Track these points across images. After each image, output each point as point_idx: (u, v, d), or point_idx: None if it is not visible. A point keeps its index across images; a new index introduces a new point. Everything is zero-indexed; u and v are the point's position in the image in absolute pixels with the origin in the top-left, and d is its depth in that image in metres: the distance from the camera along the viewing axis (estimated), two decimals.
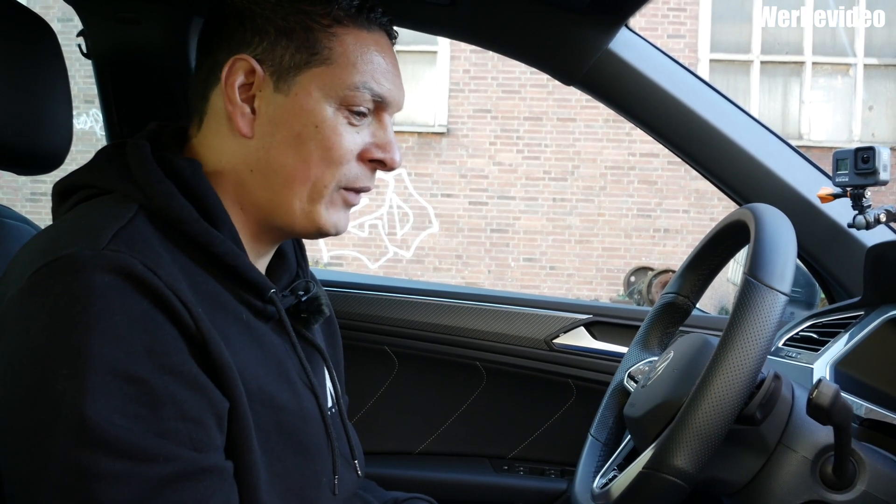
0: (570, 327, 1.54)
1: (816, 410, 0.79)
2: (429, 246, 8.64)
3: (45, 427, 0.69)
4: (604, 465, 1.08)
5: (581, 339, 1.53)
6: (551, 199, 8.58)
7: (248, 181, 0.90)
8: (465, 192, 8.62)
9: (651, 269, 8.19)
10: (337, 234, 0.95)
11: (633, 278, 8.34)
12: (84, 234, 0.77)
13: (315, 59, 0.88)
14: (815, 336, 1.31)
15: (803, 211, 1.38)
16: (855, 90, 8.41)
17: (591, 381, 1.54)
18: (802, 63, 8.42)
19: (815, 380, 1.15)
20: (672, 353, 0.99)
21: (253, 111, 0.89)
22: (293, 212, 0.91)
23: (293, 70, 0.88)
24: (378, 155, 0.93)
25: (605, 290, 8.51)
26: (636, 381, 1.10)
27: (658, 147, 8.61)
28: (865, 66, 8.39)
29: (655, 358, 1.11)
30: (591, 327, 1.54)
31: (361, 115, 0.91)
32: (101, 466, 0.69)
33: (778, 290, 0.76)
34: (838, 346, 1.18)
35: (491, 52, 7.37)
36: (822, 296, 1.60)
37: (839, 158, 1.29)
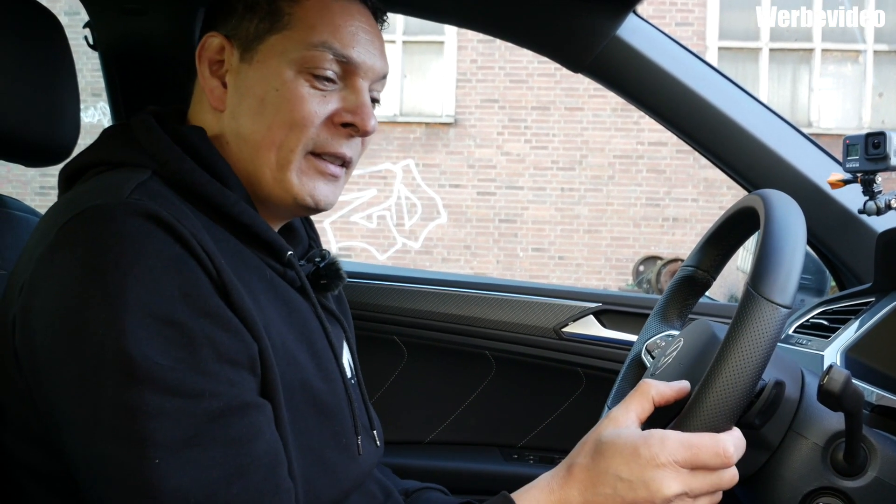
0: (579, 316, 1.53)
1: (827, 397, 0.78)
2: (437, 236, 8.64)
3: (93, 373, 0.70)
4: None
5: (590, 327, 1.53)
6: (559, 189, 8.57)
7: (228, 153, 0.91)
8: (473, 182, 8.62)
9: (660, 258, 8.17)
10: (317, 206, 0.94)
11: (641, 267, 8.33)
12: (105, 190, 0.78)
13: (276, 26, 0.90)
14: (825, 323, 1.31)
15: (813, 197, 1.37)
16: (865, 77, 8.35)
17: (601, 370, 1.53)
18: (812, 50, 8.37)
19: (825, 366, 1.15)
20: (682, 342, 0.98)
21: (224, 86, 0.92)
22: (266, 181, 0.91)
23: (256, 39, 0.90)
24: (347, 118, 0.92)
25: (614, 280, 8.50)
26: (652, 356, 1.09)
27: (666, 136, 8.65)
28: (875, 52, 8.33)
29: (674, 332, 1.10)
30: (600, 315, 1.54)
31: (328, 80, 0.90)
32: (151, 405, 0.70)
33: (778, 304, 0.75)
34: (849, 333, 1.18)
35: (498, 42, 7.37)
36: (833, 283, 1.59)
37: (850, 144, 1.28)
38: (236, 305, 0.78)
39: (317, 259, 0.99)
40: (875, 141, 1.24)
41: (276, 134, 0.89)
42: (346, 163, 0.95)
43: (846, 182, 1.31)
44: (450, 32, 8.44)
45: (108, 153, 0.88)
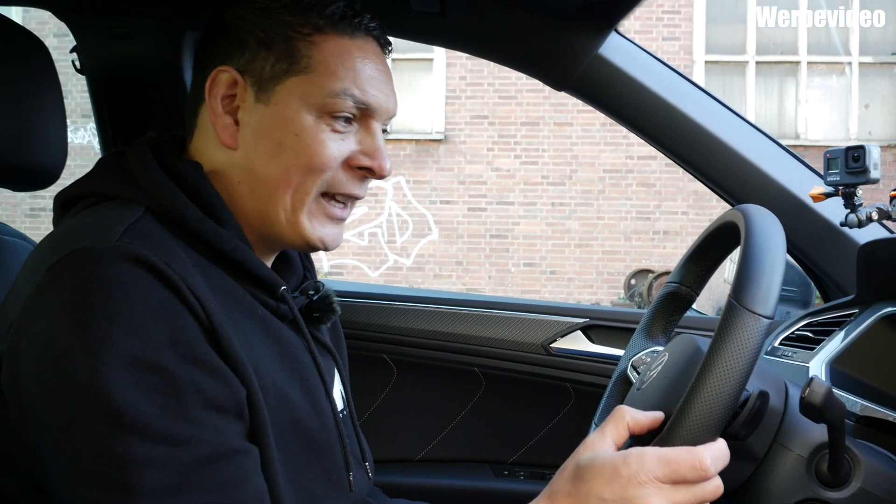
0: (568, 331, 1.54)
1: (809, 409, 0.79)
2: (429, 253, 8.65)
3: (78, 420, 0.70)
4: None
5: (578, 342, 1.54)
6: (550, 204, 8.59)
7: (238, 192, 0.91)
8: (464, 198, 8.64)
9: (651, 272, 8.20)
10: (325, 248, 0.94)
11: (633, 281, 8.35)
12: (95, 230, 0.78)
13: (294, 67, 0.89)
14: (810, 335, 1.32)
15: (796, 211, 1.38)
16: (851, 89, 8.43)
17: (589, 385, 1.54)
18: (798, 63, 8.44)
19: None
20: (666, 357, 0.99)
21: (236, 122, 0.90)
22: (280, 222, 0.91)
23: (273, 80, 0.89)
24: (365, 162, 0.92)
25: (606, 294, 8.51)
26: (638, 372, 1.10)
27: (656, 150, 8.68)
28: (861, 64, 8.41)
29: (659, 348, 1.11)
30: (588, 331, 1.55)
31: (346, 121, 0.90)
32: (136, 452, 0.70)
33: (760, 315, 0.76)
34: (833, 345, 1.18)
35: None
36: (818, 294, 1.61)
37: (830, 158, 1.30)
38: (226, 350, 0.77)
39: (310, 291, 0.99)
40: (855, 154, 1.26)
41: (294, 177, 0.89)
42: (354, 201, 0.96)
43: (828, 195, 1.32)
44: (438, 50, 8.48)
45: (102, 185, 0.88)
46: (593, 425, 1.14)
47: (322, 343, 1.00)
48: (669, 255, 8.37)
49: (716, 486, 0.76)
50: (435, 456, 1.63)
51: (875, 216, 1.28)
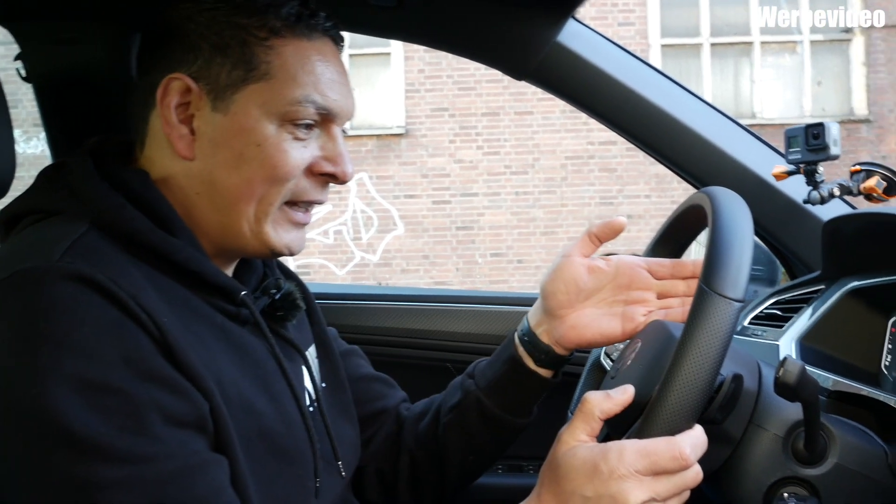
0: None
1: (784, 389, 0.80)
2: (395, 248, 8.62)
3: (37, 450, 0.68)
4: None
5: None
6: (514, 193, 8.60)
7: (196, 203, 0.88)
8: (428, 191, 8.62)
9: (616, 255, 8.23)
10: (291, 254, 0.92)
11: None
12: (36, 250, 0.75)
13: (253, 74, 0.85)
14: (779, 313, 1.32)
15: (759, 190, 1.39)
16: (803, 67, 8.55)
17: (565, 374, 1.53)
18: (751, 43, 8.54)
19: (780, 356, 1.16)
20: (639, 344, 0.99)
21: (192, 132, 0.87)
22: (242, 233, 0.88)
23: (230, 88, 0.85)
24: (328, 168, 0.90)
25: None
26: (612, 359, 1.10)
27: (616, 135, 8.73)
28: (812, 42, 8.53)
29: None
30: None
31: (308, 127, 0.88)
32: (101, 476, 0.68)
33: (731, 299, 0.76)
34: (802, 321, 1.19)
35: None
36: (784, 271, 1.62)
37: (791, 136, 1.30)
38: (183, 364, 0.75)
39: (272, 290, 0.96)
40: (815, 132, 1.27)
41: (257, 188, 0.86)
42: (315, 206, 0.94)
43: (790, 173, 1.33)
44: (395, 44, 8.44)
45: (44, 200, 0.84)
46: (569, 415, 1.13)
47: (288, 341, 0.97)
48: (634, 239, 8.42)
49: (696, 473, 0.76)
50: None
51: (837, 192, 1.29)
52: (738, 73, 8.65)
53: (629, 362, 0.97)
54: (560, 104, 8.32)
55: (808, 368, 1.10)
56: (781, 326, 1.27)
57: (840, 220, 1.15)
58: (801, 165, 1.29)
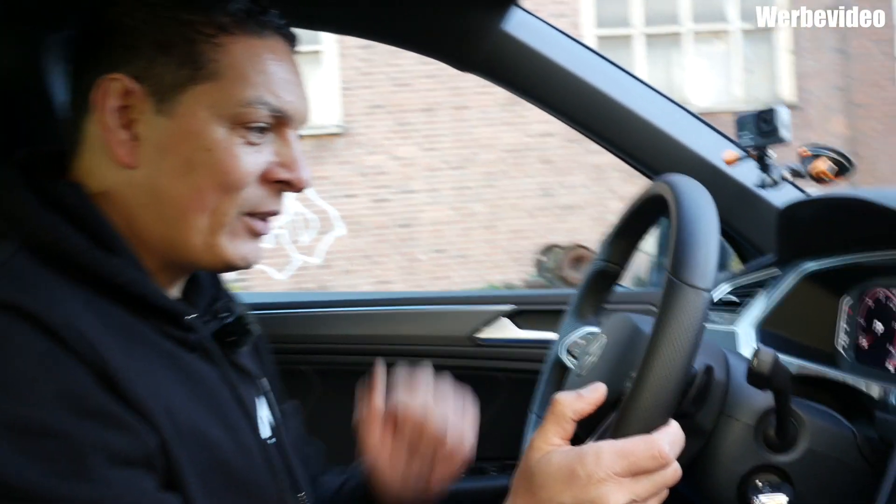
0: (492, 319, 1.50)
1: (757, 378, 0.79)
2: (336, 249, 8.52)
3: None
4: None
5: (505, 330, 1.50)
6: (453, 189, 8.58)
7: (140, 216, 0.81)
8: (367, 190, 8.54)
9: (559, 247, 8.30)
10: (248, 266, 0.86)
11: (543, 257, 8.44)
12: None
13: (200, 74, 0.79)
14: (734, 299, 1.32)
15: (711, 176, 1.38)
16: (734, 55, 8.73)
17: (521, 372, 1.50)
18: (682, 33, 8.69)
19: (739, 343, 1.16)
20: (605, 339, 0.96)
21: (134, 138, 0.80)
22: (194, 246, 0.82)
23: (176, 89, 0.79)
24: (283, 175, 0.84)
25: (517, 273, 8.58)
26: (574, 356, 1.08)
27: (553, 126, 8.77)
28: (742, 31, 8.72)
29: (593, 328, 1.08)
30: (513, 317, 1.51)
31: (261, 130, 0.82)
32: None
33: (701, 289, 0.74)
34: (759, 306, 1.19)
35: (379, 47, 7.29)
36: (734, 256, 1.62)
37: (741, 121, 1.30)
38: (129, 397, 0.69)
39: (223, 314, 0.90)
40: (765, 117, 1.27)
41: (208, 197, 0.80)
42: (275, 215, 0.88)
43: (741, 159, 1.33)
44: (328, 41, 8.33)
45: None
46: (532, 416, 1.10)
47: (241, 368, 0.91)
48: (575, 230, 8.50)
49: (675, 471, 0.73)
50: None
51: (788, 175, 1.29)
52: (670, 62, 8.79)
53: (595, 358, 0.95)
54: (497, 98, 8.38)
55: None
56: (737, 312, 1.27)
57: (798, 205, 1.15)
58: (753, 150, 1.29)
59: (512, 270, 8.60)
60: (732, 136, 1.39)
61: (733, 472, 0.85)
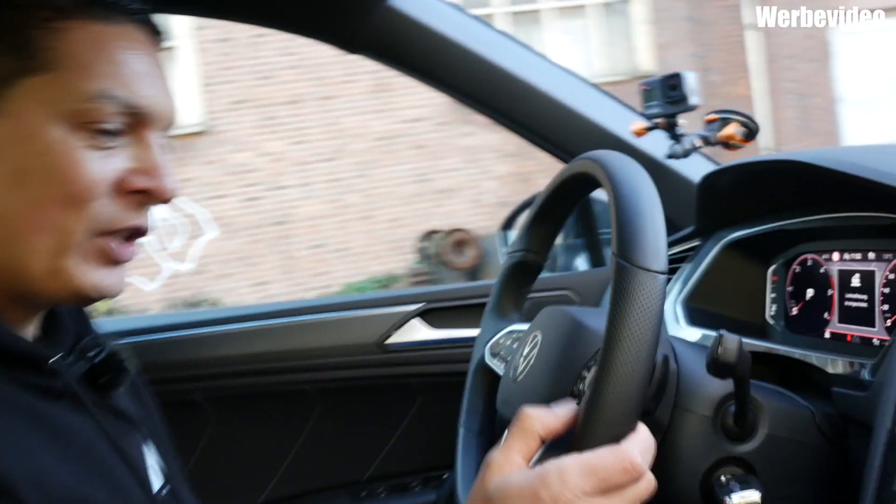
0: (402, 322, 1.38)
1: (722, 368, 0.73)
2: (208, 253, 8.17)
3: None
4: None
5: (417, 332, 1.38)
6: (326, 181, 8.38)
7: None
8: (237, 189, 8.22)
9: (439, 232, 8.27)
10: (103, 297, 0.73)
11: (423, 244, 8.39)
12: None
13: (31, 64, 0.67)
14: None
15: (619, 149, 1.30)
16: (593, 29, 8.92)
17: (436, 375, 1.40)
18: (542, 10, 8.81)
19: (667, 321, 1.10)
20: (539, 337, 0.87)
21: None
22: (36, 273, 0.68)
23: (3, 82, 0.67)
24: (142, 184, 0.72)
25: (398, 262, 8.50)
26: (499, 357, 0.98)
27: (423, 111, 8.74)
28: (598, 4, 8.92)
29: (517, 326, 0.99)
30: (425, 316, 1.40)
31: (111, 133, 0.70)
32: None
33: (656, 272, 0.68)
34: (682, 281, 1.14)
35: (238, 38, 7.00)
36: None
37: (647, 89, 1.24)
38: None
39: (91, 353, 0.76)
40: (671, 83, 1.21)
41: (49, 214, 0.67)
42: (139, 235, 0.74)
43: (649, 129, 1.27)
44: (183, 36, 7.93)
45: None
46: (460, 428, 1.01)
47: (120, 413, 0.78)
48: (452, 213, 8.50)
49: (648, 482, 0.65)
50: (280, 494, 1.41)
51: (699, 143, 1.24)
52: (531, 40, 8.88)
53: (532, 360, 0.86)
54: (363, 86, 8.24)
55: (700, 330, 1.05)
56: None
57: (718, 173, 1.10)
58: (661, 120, 1.23)
59: (393, 260, 8.52)
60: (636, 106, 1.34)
61: (695, 469, 0.78)
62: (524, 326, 0.97)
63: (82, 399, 0.71)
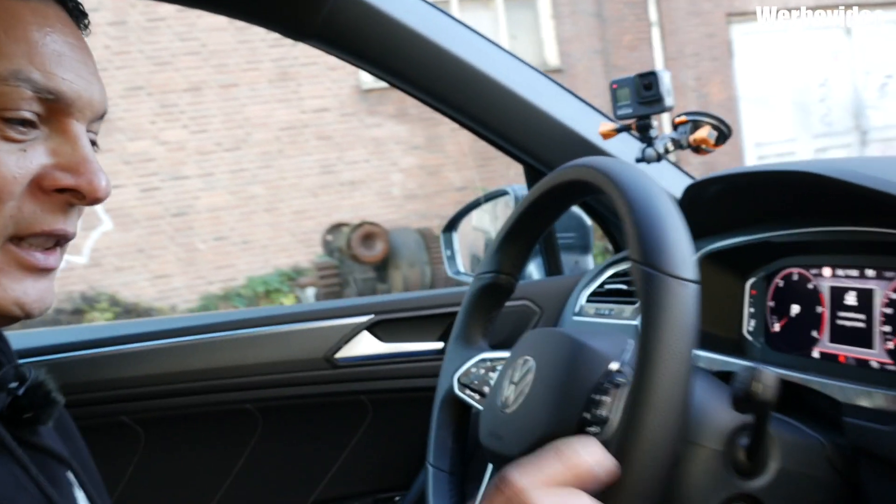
0: (352, 335, 1.27)
1: (751, 403, 0.66)
2: (104, 246, 7.79)
3: None
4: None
5: (366, 345, 1.28)
6: (229, 172, 8.13)
7: None
8: (134, 179, 7.87)
9: (346, 225, 8.13)
10: (28, 315, 0.64)
11: (330, 237, 8.23)
12: None
13: None
14: (624, 287, 1.20)
15: (585, 151, 1.24)
16: (500, 22, 8.93)
17: (387, 392, 1.30)
18: (448, 1, 8.75)
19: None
20: (532, 363, 0.79)
21: None
22: None
23: None
24: (65, 181, 0.64)
25: (304, 255, 8.33)
26: (471, 388, 0.90)
27: (329, 101, 8.57)
28: None
29: (491, 355, 0.91)
30: (374, 329, 1.29)
31: (26, 124, 0.62)
32: None
33: (689, 280, 0.63)
34: None
35: (131, 22, 6.67)
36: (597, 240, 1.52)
37: (618, 88, 1.17)
38: None
39: (11, 385, 0.66)
40: (646, 82, 1.14)
41: None
42: (64, 241, 0.65)
43: (619, 131, 1.20)
44: None
45: None
46: (430, 468, 0.91)
47: (46, 451, 0.69)
48: (359, 205, 8.38)
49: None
50: None
51: (671, 147, 1.18)
52: None
53: (528, 387, 0.77)
54: (266, 74, 8.01)
55: None
56: (632, 302, 1.15)
57: (703, 183, 1.04)
58: (633, 121, 1.16)
59: (299, 253, 8.33)
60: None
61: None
62: (496, 354, 0.89)
63: (4, 439, 0.63)
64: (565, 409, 0.70)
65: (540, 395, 0.74)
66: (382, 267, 7.89)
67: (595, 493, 0.60)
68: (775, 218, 0.97)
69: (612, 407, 0.67)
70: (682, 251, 0.64)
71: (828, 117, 9.66)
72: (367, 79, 8.06)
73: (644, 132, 1.16)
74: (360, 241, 7.83)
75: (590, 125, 1.24)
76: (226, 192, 8.13)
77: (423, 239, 7.90)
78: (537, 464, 0.60)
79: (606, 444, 0.62)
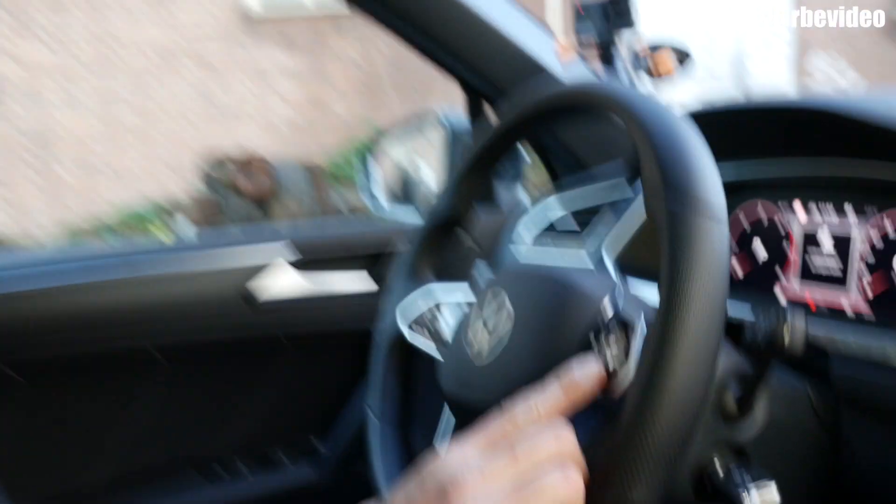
0: (268, 272, 1.14)
1: (780, 354, 0.60)
2: None
3: None
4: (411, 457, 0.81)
5: (287, 281, 1.15)
6: (96, 96, 7.59)
7: None
8: None
9: (231, 160, 7.80)
10: None
11: (212, 172, 7.88)
12: None
13: None
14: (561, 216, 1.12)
15: (538, 74, 1.14)
16: None
17: (309, 336, 1.19)
18: None
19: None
20: (509, 307, 0.71)
21: None
22: None
23: None
24: None
25: (181, 187, 7.96)
26: (430, 326, 0.82)
27: (207, 26, 8.13)
28: None
29: (437, 288, 0.83)
30: (296, 265, 1.16)
31: None
32: None
33: (719, 220, 0.58)
34: (608, 226, 1.00)
35: None
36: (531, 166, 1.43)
37: (582, 12, 1.08)
38: None
39: None
40: (618, 6, 1.05)
41: None
42: None
43: (577, 54, 1.11)
44: None
45: None
46: (372, 417, 0.84)
47: None
48: (241, 138, 8.05)
49: None
50: (112, 476, 1.13)
51: (631, 69, 1.10)
52: None
53: (508, 333, 0.68)
54: None
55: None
56: (579, 236, 1.08)
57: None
58: (596, 44, 1.08)
59: (175, 184, 7.95)
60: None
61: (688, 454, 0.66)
62: (449, 286, 0.82)
63: None
64: (555, 355, 0.63)
65: (524, 340, 0.67)
66: (267, 202, 7.64)
67: (611, 453, 0.53)
68: (748, 153, 0.90)
69: (614, 357, 0.59)
70: (716, 190, 0.59)
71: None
72: (254, 5, 7.66)
73: (606, 51, 1.07)
74: (246, 178, 7.53)
75: (542, 45, 1.14)
76: (93, 118, 7.62)
77: (310, 174, 7.68)
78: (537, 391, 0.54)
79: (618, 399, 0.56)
